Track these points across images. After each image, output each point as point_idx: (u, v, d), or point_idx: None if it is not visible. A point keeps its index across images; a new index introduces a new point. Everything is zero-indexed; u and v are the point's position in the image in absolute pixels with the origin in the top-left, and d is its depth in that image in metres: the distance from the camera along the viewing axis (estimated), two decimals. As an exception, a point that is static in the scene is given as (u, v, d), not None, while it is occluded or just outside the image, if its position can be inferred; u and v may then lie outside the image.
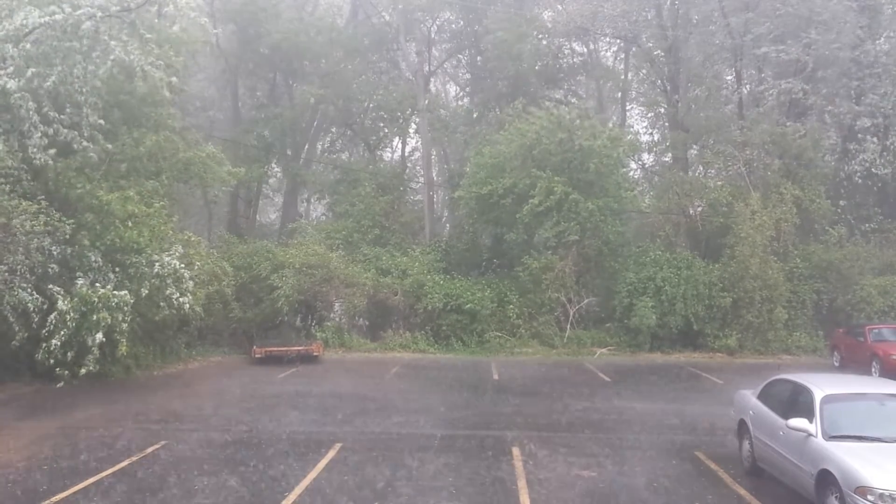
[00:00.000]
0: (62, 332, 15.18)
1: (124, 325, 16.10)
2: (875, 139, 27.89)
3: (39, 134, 15.65)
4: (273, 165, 38.10)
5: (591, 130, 26.84)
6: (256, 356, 21.98)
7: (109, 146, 17.49)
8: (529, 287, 26.76)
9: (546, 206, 25.84)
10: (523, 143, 27.08)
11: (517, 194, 26.55)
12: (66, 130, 16.10)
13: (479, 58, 37.93)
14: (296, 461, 10.55)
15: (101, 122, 16.88)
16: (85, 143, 16.49)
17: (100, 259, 16.92)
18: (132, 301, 16.32)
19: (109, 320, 15.61)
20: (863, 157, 27.48)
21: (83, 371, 15.37)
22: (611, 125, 31.09)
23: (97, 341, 15.45)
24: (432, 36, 39.73)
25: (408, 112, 37.49)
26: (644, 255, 27.36)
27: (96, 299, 15.66)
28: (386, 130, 41.56)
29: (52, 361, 15.24)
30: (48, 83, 15.45)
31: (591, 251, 27.32)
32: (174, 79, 18.38)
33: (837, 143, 29.51)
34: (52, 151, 16.07)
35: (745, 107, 31.26)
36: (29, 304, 15.47)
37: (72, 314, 15.36)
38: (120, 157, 18.55)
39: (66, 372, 15.36)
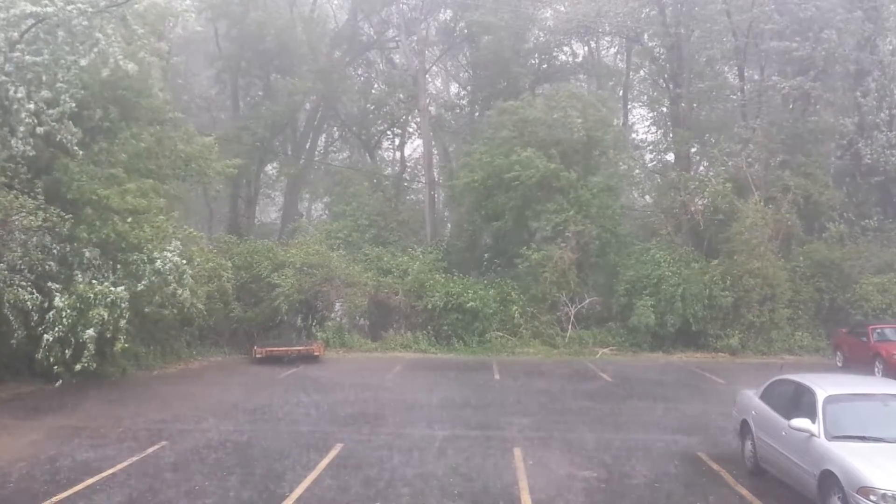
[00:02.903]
0: (56, 329, 15.13)
1: (121, 323, 16.04)
2: (886, 131, 27.66)
3: (25, 114, 15.25)
4: (274, 164, 37.96)
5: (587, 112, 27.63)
6: (257, 356, 21.94)
7: (80, 131, 16.80)
8: (529, 283, 26.66)
9: (537, 185, 26.11)
10: (512, 130, 27.55)
11: (508, 181, 26.63)
12: (53, 122, 15.81)
13: (478, 53, 37.88)
14: (297, 461, 10.53)
15: (74, 106, 16.22)
16: (69, 136, 16.17)
17: (98, 256, 16.85)
18: (128, 297, 16.22)
19: (106, 316, 15.56)
20: (871, 150, 27.33)
21: (78, 367, 15.24)
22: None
23: (90, 337, 15.34)
24: (431, 36, 39.64)
25: (404, 110, 37.35)
26: (645, 253, 27.27)
27: (92, 295, 15.62)
28: (385, 129, 41.47)
29: (50, 360, 15.20)
30: (33, 62, 15.22)
31: (591, 239, 27.15)
32: (157, 60, 17.97)
33: (848, 132, 29.30)
34: (41, 130, 15.63)
35: (748, 104, 31.18)
36: (28, 303, 15.39)
37: (68, 311, 15.31)
38: (119, 152, 18.44)
39: (62, 369, 15.31)
